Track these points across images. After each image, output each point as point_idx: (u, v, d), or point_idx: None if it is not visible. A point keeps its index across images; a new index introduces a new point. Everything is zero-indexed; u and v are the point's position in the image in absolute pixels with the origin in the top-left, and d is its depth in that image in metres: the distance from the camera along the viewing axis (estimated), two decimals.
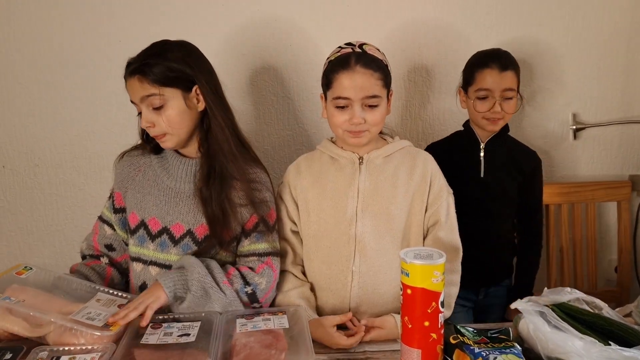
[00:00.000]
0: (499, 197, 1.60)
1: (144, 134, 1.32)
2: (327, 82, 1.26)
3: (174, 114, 1.20)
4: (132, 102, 1.23)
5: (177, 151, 1.29)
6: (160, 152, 1.31)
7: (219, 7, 1.69)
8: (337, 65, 1.24)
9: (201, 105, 1.24)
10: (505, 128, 1.61)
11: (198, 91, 1.22)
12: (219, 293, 1.16)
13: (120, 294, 1.19)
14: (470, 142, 1.61)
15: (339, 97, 1.23)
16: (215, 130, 1.24)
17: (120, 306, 1.13)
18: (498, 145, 1.60)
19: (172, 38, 1.30)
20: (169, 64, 1.19)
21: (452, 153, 1.60)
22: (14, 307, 1.05)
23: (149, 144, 1.32)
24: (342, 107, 1.24)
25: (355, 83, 1.21)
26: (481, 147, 1.60)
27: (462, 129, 1.65)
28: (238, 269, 1.22)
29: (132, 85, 1.19)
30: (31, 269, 1.18)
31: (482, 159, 1.59)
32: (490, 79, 1.51)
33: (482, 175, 1.59)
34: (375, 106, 1.24)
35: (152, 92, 1.18)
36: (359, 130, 1.24)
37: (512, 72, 1.52)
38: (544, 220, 1.76)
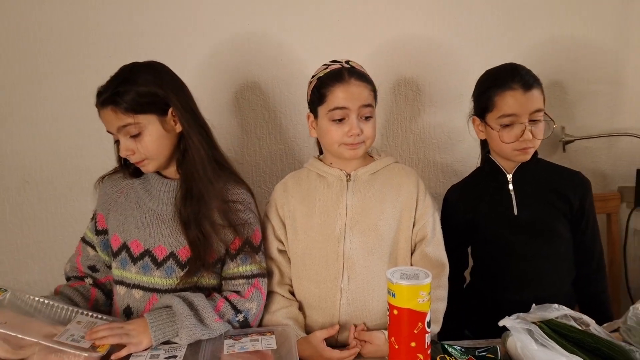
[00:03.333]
0: (542, 236, 1.36)
1: (121, 160, 1.31)
2: (320, 97, 1.27)
3: (152, 140, 1.19)
4: (108, 131, 1.22)
5: (159, 173, 1.29)
6: (141, 174, 1.31)
7: (208, 23, 1.70)
8: (331, 79, 1.25)
9: (179, 127, 1.23)
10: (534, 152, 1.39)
11: (174, 113, 1.22)
12: (212, 334, 1.14)
13: (99, 316, 1.17)
14: (495, 176, 1.41)
15: (336, 108, 1.24)
16: (192, 152, 1.22)
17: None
18: (529, 173, 1.38)
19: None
20: (139, 90, 1.16)
21: (477, 193, 1.42)
22: None
23: (128, 169, 1.31)
24: (339, 121, 1.25)
25: (351, 94, 1.23)
26: (508, 179, 1.39)
27: (480, 165, 1.48)
28: (227, 298, 1.21)
29: (106, 115, 1.18)
30: (6, 290, 1.15)
31: (511, 193, 1.38)
32: (514, 101, 1.29)
33: (515, 212, 1.37)
34: (370, 117, 1.27)
35: (127, 122, 1.16)
36: (357, 142, 1.25)
37: (538, 90, 1.32)
38: None
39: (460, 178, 1.59)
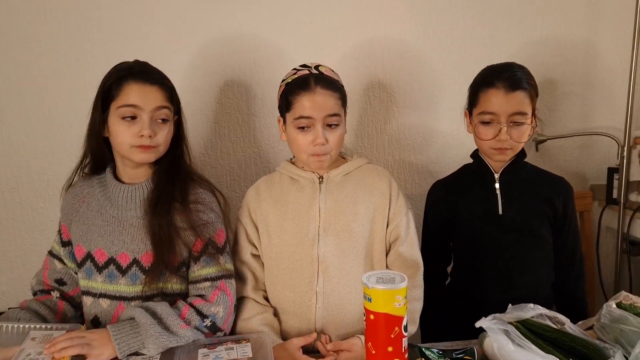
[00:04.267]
0: (524, 238, 1.36)
1: (92, 144, 1.25)
2: (287, 104, 1.26)
3: (169, 133, 1.24)
4: (129, 105, 1.17)
5: (116, 178, 1.26)
6: (99, 173, 1.29)
7: (180, 25, 1.67)
8: (297, 87, 1.24)
9: (173, 130, 1.28)
10: (522, 154, 1.39)
11: (174, 119, 1.27)
12: (180, 341, 1.11)
13: (55, 326, 1.13)
14: (482, 174, 1.40)
15: (301, 117, 1.23)
16: (181, 155, 1.28)
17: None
18: (516, 175, 1.38)
19: (133, 57, 1.27)
20: (173, 88, 1.26)
21: (462, 190, 1.42)
22: None
23: (95, 151, 1.26)
24: (304, 128, 1.24)
25: (316, 103, 1.22)
26: (495, 177, 1.38)
27: (470, 161, 1.47)
28: (191, 304, 1.18)
29: (151, 92, 1.19)
30: None
31: (498, 192, 1.37)
32: (495, 100, 1.29)
33: (500, 211, 1.37)
34: (337, 125, 1.26)
35: (166, 105, 1.21)
36: (322, 153, 1.24)
37: (523, 93, 1.29)
38: None
39: (435, 178, 1.59)
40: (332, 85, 1.25)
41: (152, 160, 1.23)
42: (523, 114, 1.30)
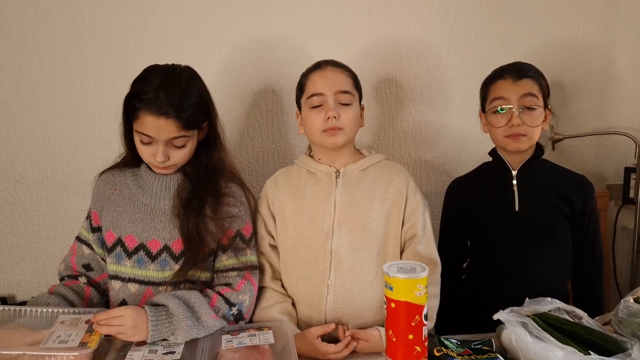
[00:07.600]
0: (540, 235, 1.37)
1: (131, 151, 1.28)
2: (301, 88, 1.33)
3: (190, 150, 1.24)
4: (144, 134, 1.17)
5: (150, 168, 1.29)
6: (137, 165, 1.31)
7: (201, 24, 1.70)
8: (310, 70, 1.32)
9: (202, 135, 1.27)
10: (540, 150, 1.41)
11: (205, 124, 1.26)
12: (208, 331, 1.14)
13: (82, 310, 1.15)
14: (500, 171, 1.41)
15: (313, 95, 1.27)
16: (216, 154, 1.29)
17: (87, 321, 1.09)
18: (534, 172, 1.39)
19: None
20: (197, 106, 1.19)
21: (480, 187, 1.44)
22: None
23: (130, 157, 1.30)
24: (317, 107, 1.27)
25: (327, 79, 1.27)
26: (513, 174, 1.39)
27: (489, 159, 1.48)
28: (219, 293, 1.21)
29: (162, 125, 1.15)
30: None
31: (515, 188, 1.39)
32: (503, 86, 1.35)
33: (516, 208, 1.38)
34: (349, 104, 1.28)
35: (182, 134, 1.18)
36: (334, 127, 1.26)
37: (531, 80, 1.34)
38: None
39: (451, 176, 1.61)
40: (342, 65, 1.32)
41: (171, 173, 1.27)
42: (533, 95, 1.34)
